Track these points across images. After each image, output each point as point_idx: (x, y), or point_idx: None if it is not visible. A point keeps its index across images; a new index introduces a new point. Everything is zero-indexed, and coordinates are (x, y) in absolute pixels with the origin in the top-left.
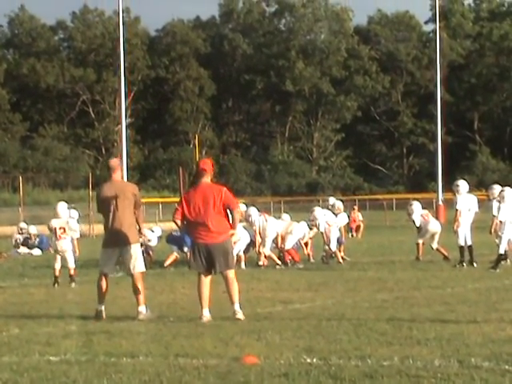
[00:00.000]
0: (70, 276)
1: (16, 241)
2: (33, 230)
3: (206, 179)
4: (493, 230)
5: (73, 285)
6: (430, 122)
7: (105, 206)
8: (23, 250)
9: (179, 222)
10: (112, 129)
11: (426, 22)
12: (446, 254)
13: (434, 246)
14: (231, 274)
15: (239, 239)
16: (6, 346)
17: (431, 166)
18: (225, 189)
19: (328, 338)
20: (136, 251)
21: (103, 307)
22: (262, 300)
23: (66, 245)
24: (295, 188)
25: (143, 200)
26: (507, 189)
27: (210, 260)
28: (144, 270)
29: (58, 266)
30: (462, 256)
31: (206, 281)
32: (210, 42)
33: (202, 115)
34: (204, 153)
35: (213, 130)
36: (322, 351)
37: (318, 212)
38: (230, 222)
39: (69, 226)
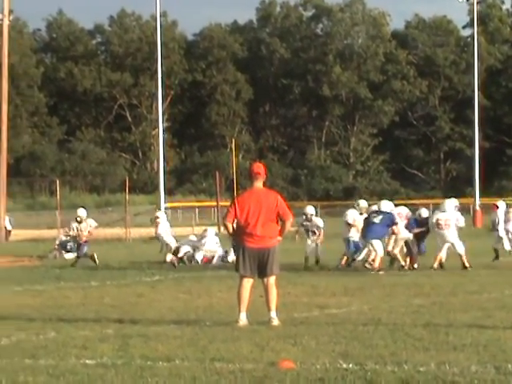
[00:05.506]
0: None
1: (60, 242)
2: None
3: (259, 183)
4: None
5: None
6: (467, 127)
7: None
8: (68, 255)
9: (230, 225)
10: (149, 133)
11: (463, 27)
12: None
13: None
14: (273, 279)
15: None
16: (42, 349)
17: (468, 171)
18: (279, 197)
19: (364, 343)
20: None
21: None
22: (298, 305)
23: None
24: (332, 193)
25: (180, 204)
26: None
27: (258, 264)
28: None
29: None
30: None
31: (248, 285)
32: (247, 46)
33: (239, 119)
34: (241, 157)
35: (250, 134)
36: (358, 356)
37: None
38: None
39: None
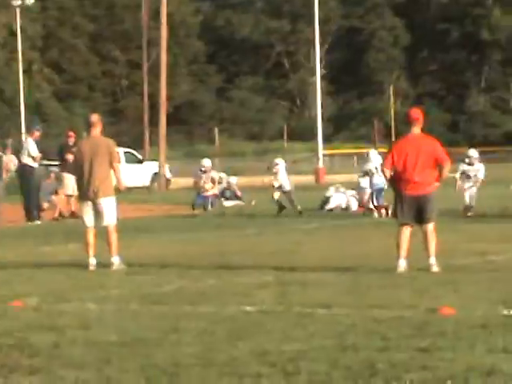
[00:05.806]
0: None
1: (219, 190)
2: (233, 180)
3: (417, 129)
4: None
5: None
6: None
7: (81, 161)
8: (227, 202)
9: (388, 172)
10: (306, 80)
11: None
12: None
13: None
14: (431, 226)
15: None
16: (202, 295)
17: None
18: (437, 143)
19: None
20: (108, 204)
21: (94, 260)
22: (456, 251)
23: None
24: (492, 139)
25: (338, 151)
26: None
27: (417, 211)
28: (115, 222)
29: None
30: None
31: (407, 232)
32: None
33: (397, 65)
34: (399, 103)
35: (407, 80)
36: None
37: None
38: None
39: None
